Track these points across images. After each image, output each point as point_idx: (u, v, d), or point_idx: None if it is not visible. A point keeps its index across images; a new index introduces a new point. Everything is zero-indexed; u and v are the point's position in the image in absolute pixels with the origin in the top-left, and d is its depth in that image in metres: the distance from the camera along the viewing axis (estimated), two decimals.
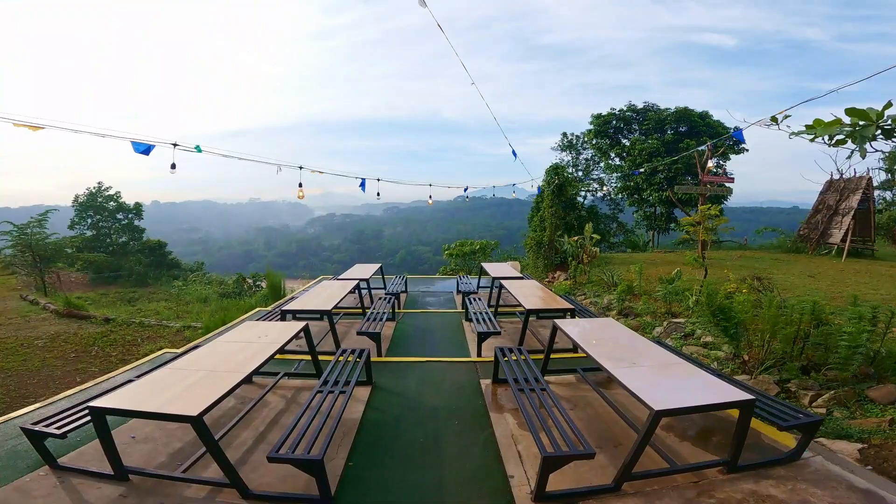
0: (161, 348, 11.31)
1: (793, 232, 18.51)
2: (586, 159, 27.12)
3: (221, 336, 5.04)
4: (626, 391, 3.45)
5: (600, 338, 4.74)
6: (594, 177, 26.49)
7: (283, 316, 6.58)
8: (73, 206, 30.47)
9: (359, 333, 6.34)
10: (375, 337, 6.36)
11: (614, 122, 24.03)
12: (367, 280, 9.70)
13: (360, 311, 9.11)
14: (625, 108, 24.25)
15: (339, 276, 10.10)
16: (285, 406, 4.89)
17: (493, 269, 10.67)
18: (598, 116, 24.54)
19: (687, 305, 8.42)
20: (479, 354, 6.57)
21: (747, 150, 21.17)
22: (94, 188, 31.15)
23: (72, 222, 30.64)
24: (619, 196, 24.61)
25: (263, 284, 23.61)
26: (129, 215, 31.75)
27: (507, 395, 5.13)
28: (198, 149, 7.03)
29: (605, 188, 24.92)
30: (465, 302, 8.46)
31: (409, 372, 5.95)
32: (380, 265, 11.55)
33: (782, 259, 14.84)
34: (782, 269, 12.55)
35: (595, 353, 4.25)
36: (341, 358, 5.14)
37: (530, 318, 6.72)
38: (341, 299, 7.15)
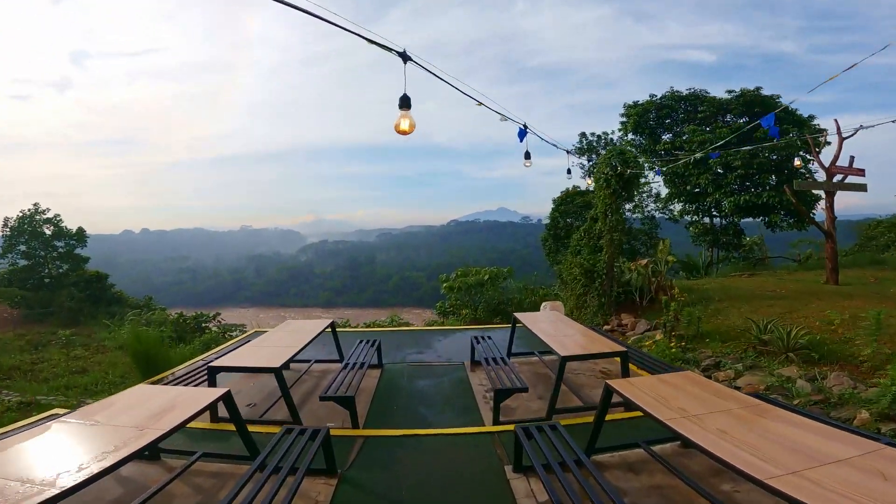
0: None
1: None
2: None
3: None
4: None
5: None
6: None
7: None
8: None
9: None
10: None
11: (654, 111, 18.97)
12: (277, 370, 4.36)
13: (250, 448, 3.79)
14: (667, 95, 19.23)
15: (225, 364, 4.67)
16: None
17: (541, 325, 5.46)
18: (634, 105, 19.28)
19: None
20: None
21: (829, 143, 16.20)
22: (30, 210, 25.80)
23: (2, 250, 25.28)
24: (667, 207, 19.19)
25: (212, 326, 18.26)
26: (70, 242, 26.38)
27: None
28: None
29: (638, 197, 19.59)
30: (519, 436, 3.25)
31: None
32: (330, 322, 6.28)
33: None
34: None
35: None
36: None
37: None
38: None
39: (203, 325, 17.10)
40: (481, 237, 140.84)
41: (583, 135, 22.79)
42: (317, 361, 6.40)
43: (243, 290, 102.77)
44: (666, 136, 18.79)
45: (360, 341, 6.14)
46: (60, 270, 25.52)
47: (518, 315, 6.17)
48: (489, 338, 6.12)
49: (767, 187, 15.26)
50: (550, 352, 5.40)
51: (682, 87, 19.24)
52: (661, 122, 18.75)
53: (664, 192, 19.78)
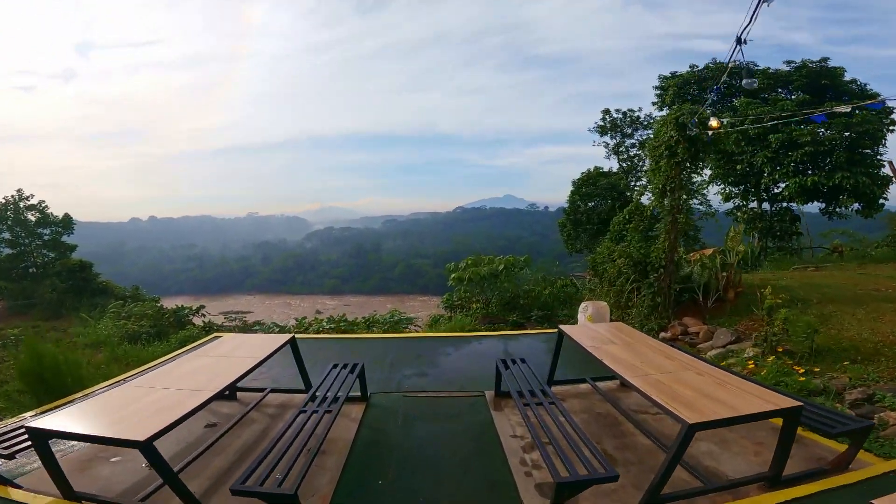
0: None
1: None
2: (640, 142, 19.88)
3: None
4: None
5: None
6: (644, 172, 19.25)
7: None
8: None
9: None
10: None
11: (695, 83, 16.31)
12: (144, 446, 2.38)
13: None
14: (711, 66, 16.31)
15: (56, 428, 2.68)
16: None
17: (611, 349, 3.47)
18: (673, 76, 16.82)
19: None
20: None
21: None
22: (13, 197, 23.94)
23: None
24: (700, 191, 16.88)
25: (196, 321, 16.41)
26: (56, 229, 24.71)
27: None
28: None
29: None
30: None
31: None
32: (288, 339, 4.26)
33: None
34: None
35: None
36: None
37: None
38: None
39: (184, 319, 15.23)
40: (488, 224, 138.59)
41: (606, 112, 20.79)
42: (274, 391, 4.42)
43: (250, 278, 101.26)
44: (707, 111, 16.46)
45: (335, 365, 4.14)
46: (47, 259, 23.85)
47: (567, 330, 4.14)
48: (522, 361, 4.10)
49: (830, 167, 12.93)
50: (612, 376, 3.46)
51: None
52: (702, 95, 16.43)
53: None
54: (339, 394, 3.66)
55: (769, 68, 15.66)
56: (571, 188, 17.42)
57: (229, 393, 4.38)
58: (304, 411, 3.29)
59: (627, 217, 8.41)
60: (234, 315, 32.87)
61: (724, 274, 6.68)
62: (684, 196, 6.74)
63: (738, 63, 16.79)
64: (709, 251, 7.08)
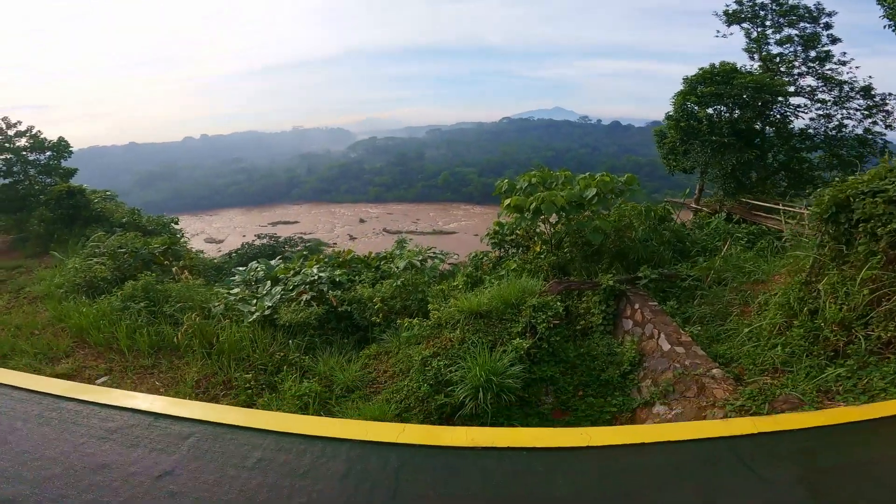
0: None
1: None
2: (794, 37, 13.51)
3: None
4: None
5: None
6: (804, 77, 13.39)
7: None
8: None
9: None
10: None
11: None
12: None
13: None
14: None
15: None
16: None
17: None
18: None
19: None
20: None
21: None
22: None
23: None
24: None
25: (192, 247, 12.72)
26: (50, 154, 21.44)
27: None
28: None
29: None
30: None
31: None
32: None
33: None
34: None
35: None
36: None
37: None
38: None
39: (148, 259, 11.43)
40: (535, 135, 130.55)
41: None
42: None
43: (296, 188, 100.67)
44: None
45: None
46: (45, 186, 20.69)
47: None
48: None
49: None
50: None
51: None
52: None
53: None
54: None
55: None
56: (682, 86, 12.01)
57: None
58: None
59: None
60: (265, 234, 29.34)
61: None
62: None
63: None
64: None
